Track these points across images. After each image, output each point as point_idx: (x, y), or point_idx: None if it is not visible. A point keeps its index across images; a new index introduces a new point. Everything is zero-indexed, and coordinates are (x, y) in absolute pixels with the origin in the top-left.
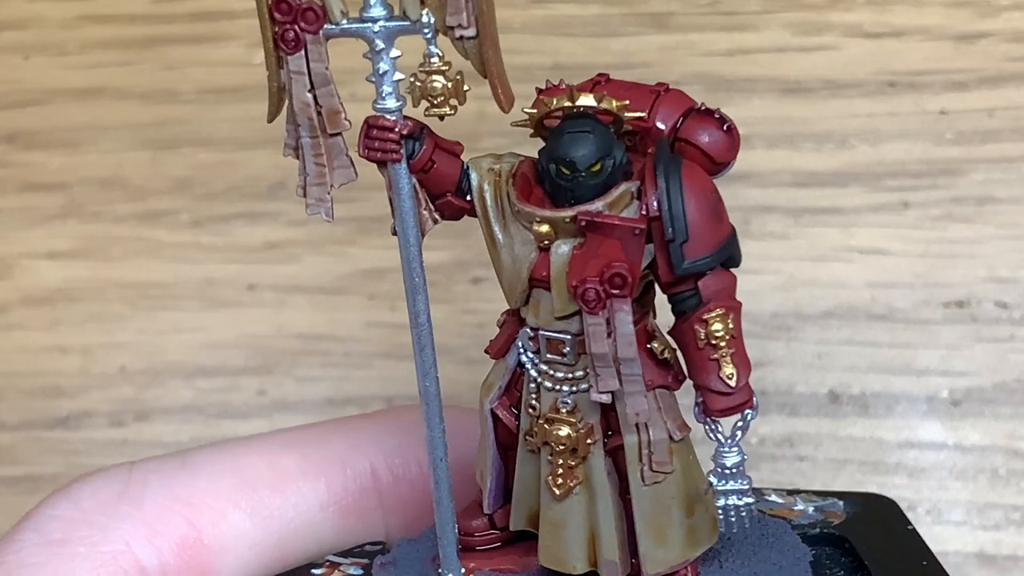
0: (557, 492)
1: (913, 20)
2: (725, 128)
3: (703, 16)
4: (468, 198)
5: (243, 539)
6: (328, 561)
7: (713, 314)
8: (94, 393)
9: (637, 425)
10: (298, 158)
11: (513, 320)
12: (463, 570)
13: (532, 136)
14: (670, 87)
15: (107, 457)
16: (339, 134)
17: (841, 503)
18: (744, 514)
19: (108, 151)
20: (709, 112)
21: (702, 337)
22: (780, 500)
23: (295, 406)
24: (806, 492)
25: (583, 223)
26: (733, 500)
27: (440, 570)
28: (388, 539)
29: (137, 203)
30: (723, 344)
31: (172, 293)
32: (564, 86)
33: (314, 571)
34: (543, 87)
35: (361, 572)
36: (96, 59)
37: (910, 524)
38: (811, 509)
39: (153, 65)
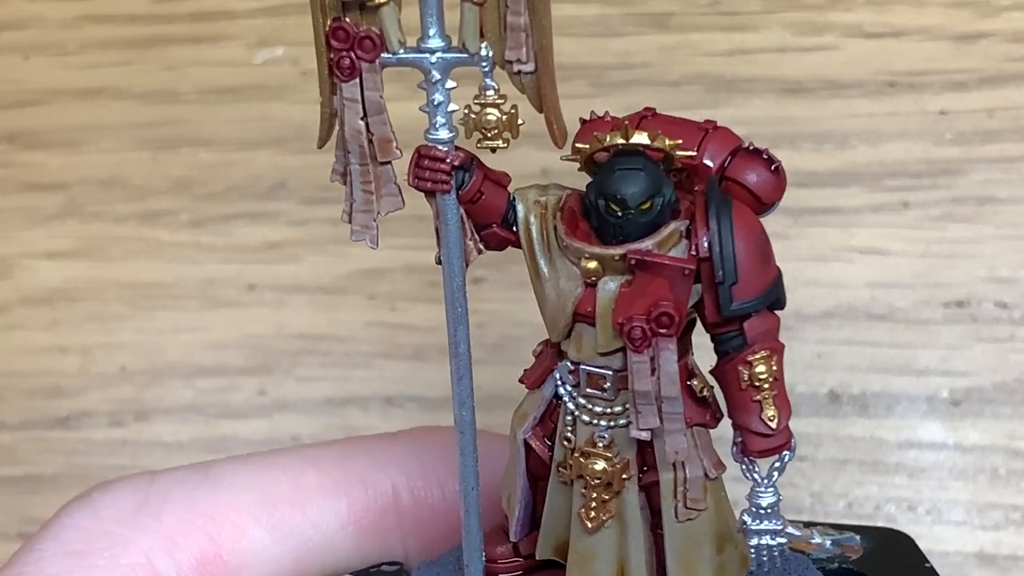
0: (589, 525)
1: (913, 20)
2: (773, 168)
3: (703, 16)
4: (514, 229)
5: (262, 556)
6: None
7: (757, 356)
8: (94, 393)
9: (674, 463)
10: (345, 184)
11: (551, 352)
12: None
13: (580, 171)
14: (718, 125)
15: (107, 457)
16: (389, 162)
17: (858, 538)
18: (776, 553)
19: (108, 151)
20: (757, 152)
21: (745, 379)
22: (798, 532)
23: (295, 406)
24: (822, 525)
25: (633, 261)
26: (767, 540)
27: None
28: (406, 560)
29: (137, 203)
30: (766, 386)
31: (172, 293)
32: (610, 118)
33: None
34: (587, 117)
35: None
36: (96, 59)
37: (928, 562)
38: (828, 543)
39: (153, 65)
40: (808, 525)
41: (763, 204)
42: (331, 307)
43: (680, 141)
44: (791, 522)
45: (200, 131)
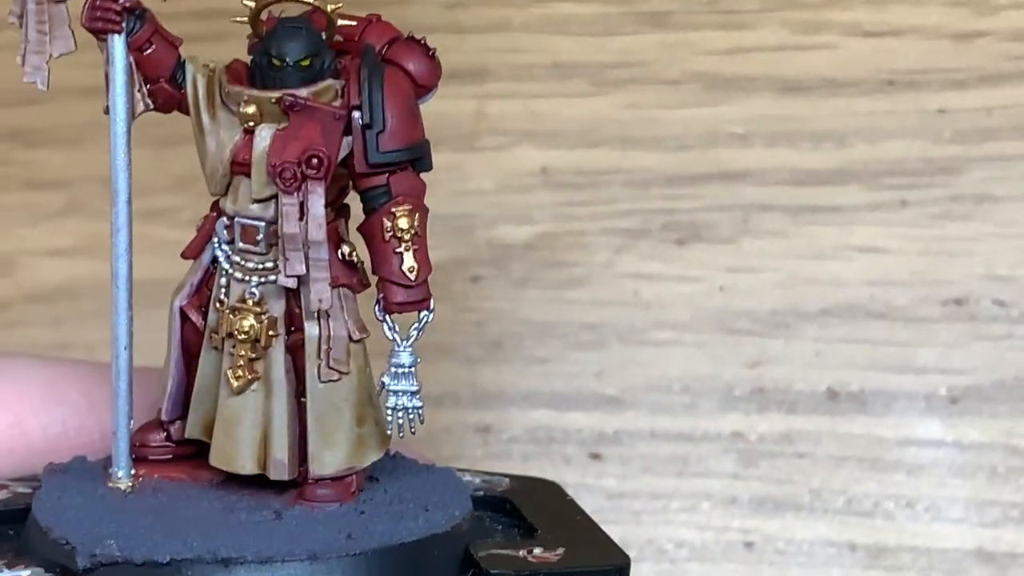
0: (235, 385)
1: (912, 19)
2: (430, 54)
3: (702, 15)
4: (182, 90)
5: (32, 448)
6: None
7: (401, 208)
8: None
9: (319, 316)
10: (21, 27)
11: (211, 219)
12: (133, 471)
13: (249, 38)
14: (381, 18)
15: None
16: (64, 2)
17: (507, 479)
18: (412, 417)
19: (110, 149)
20: (415, 40)
21: (388, 229)
22: (446, 468)
23: None
24: (474, 470)
25: (287, 104)
26: (404, 401)
27: (110, 470)
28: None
29: (139, 200)
30: (407, 238)
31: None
32: None
33: None
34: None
35: (31, 490)
36: (98, 57)
37: (570, 496)
38: (477, 480)
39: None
40: (461, 470)
41: (420, 87)
42: None
43: (340, 5)
44: (444, 468)
45: None
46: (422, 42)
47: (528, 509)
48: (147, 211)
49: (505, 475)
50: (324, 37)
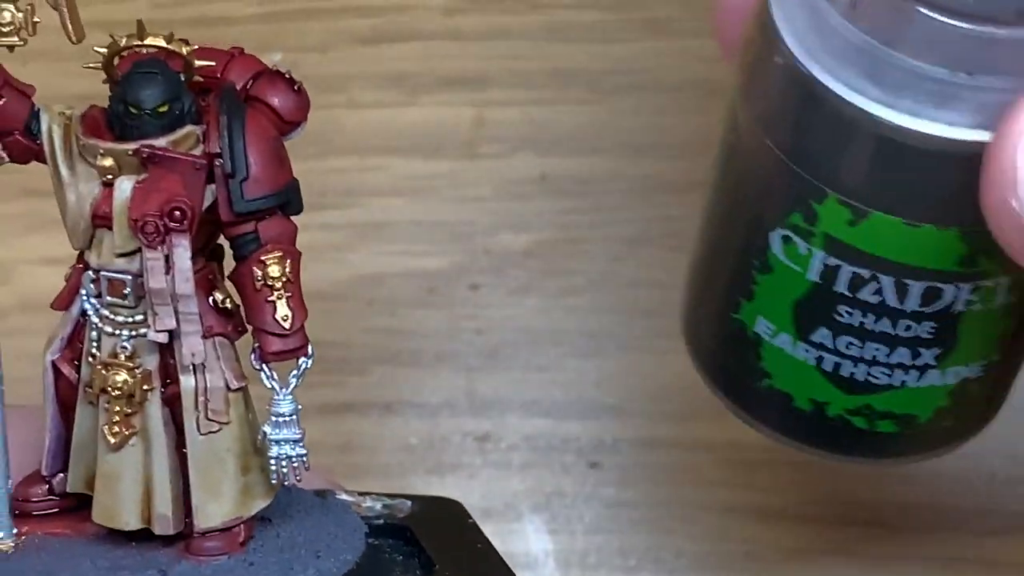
0: (112, 441)
1: None
2: (296, 89)
3: (701, 22)
4: (38, 141)
5: None
6: None
7: (271, 256)
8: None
9: (194, 369)
10: None
11: (78, 270)
12: (15, 531)
13: (104, 83)
14: (244, 51)
15: None
16: None
17: (409, 503)
18: (296, 465)
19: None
20: (280, 73)
21: (259, 278)
22: (350, 498)
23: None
24: (377, 493)
25: (145, 155)
26: (287, 450)
27: None
28: None
29: None
30: (279, 286)
31: None
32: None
33: None
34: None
35: None
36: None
37: (471, 519)
38: (379, 506)
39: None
40: (363, 494)
41: (287, 123)
42: (329, 313)
43: (196, 47)
44: (346, 491)
45: None
46: (287, 75)
47: (428, 538)
48: None
49: (409, 497)
50: (183, 79)
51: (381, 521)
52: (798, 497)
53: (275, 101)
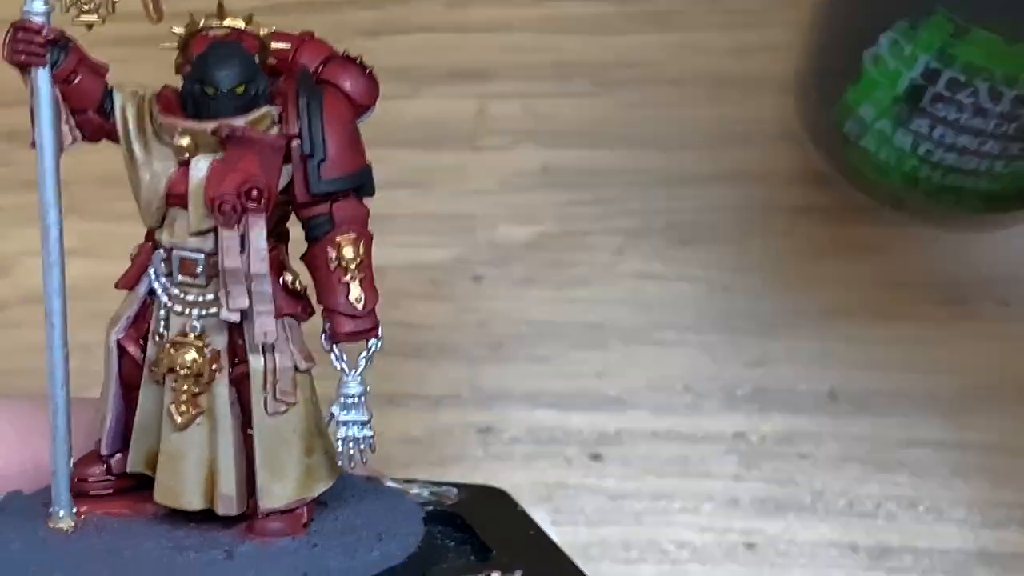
0: (179, 421)
1: None
2: (367, 73)
3: (704, 14)
4: (110, 120)
5: None
6: None
7: (345, 237)
8: (94, 392)
9: (264, 349)
10: None
11: (146, 248)
12: (74, 510)
13: (179, 62)
14: (314, 35)
15: None
16: None
17: (456, 490)
18: (363, 447)
19: (108, 149)
20: (351, 58)
21: (333, 259)
22: (396, 485)
23: None
24: (422, 481)
25: (224, 135)
26: (354, 431)
27: (51, 509)
28: None
29: (127, 202)
30: (353, 267)
31: None
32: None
33: None
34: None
35: None
36: (96, 56)
37: (519, 506)
38: (426, 493)
39: (153, 64)
40: (408, 481)
41: (357, 106)
42: None
43: (274, 29)
44: (392, 478)
45: None
46: (358, 60)
47: (479, 524)
48: (121, 213)
49: (453, 485)
50: (257, 61)
51: (430, 508)
52: (801, 489)
53: (347, 85)
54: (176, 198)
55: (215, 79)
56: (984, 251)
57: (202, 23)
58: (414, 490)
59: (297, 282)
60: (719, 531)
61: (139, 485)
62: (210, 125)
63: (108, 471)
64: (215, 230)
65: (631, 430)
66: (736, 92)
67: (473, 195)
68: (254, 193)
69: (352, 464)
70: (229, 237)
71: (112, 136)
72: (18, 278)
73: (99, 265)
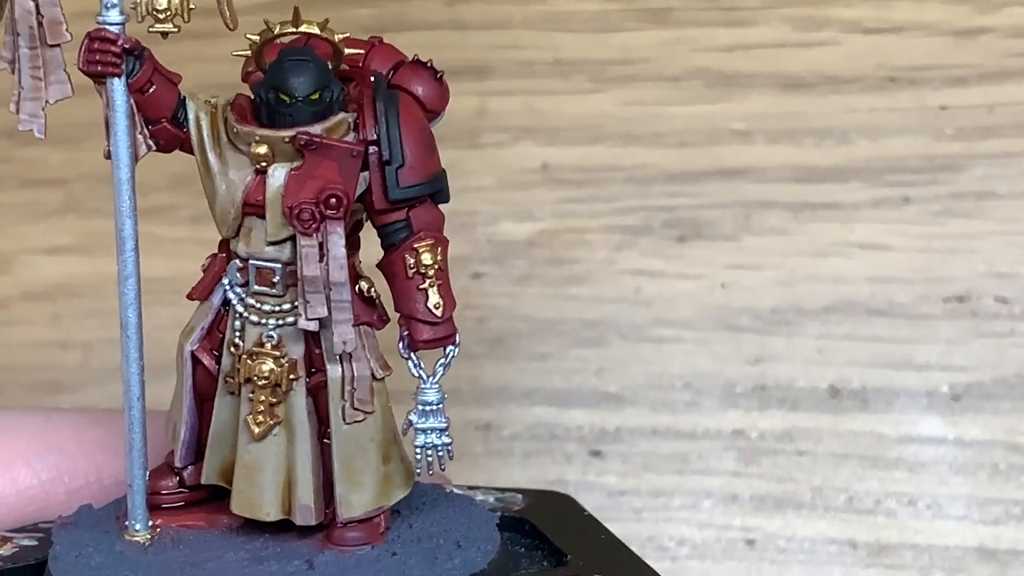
0: (256, 431)
1: (913, 15)
2: (438, 77)
3: (703, 11)
4: (184, 129)
5: (24, 495)
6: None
7: (424, 244)
8: (94, 389)
9: (341, 358)
10: (13, 72)
11: (220, 260)
12: (150, 523)
13: (250, 70)
14: (383, 40)
15: None
16: (59, 46)
17: (520, 496)
18: (442, 454)
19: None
20: (422, 63)
21: (411, 266)
22: (460, 492)
23: None
24: (486, 487)
25: (301, 143)
26: (432, 439)
27: (127, 523)
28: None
29: (137, 198)
30: (431, 274)
31: (172, 288)
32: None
33: None
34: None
35: (36, 543)
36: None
37: (587, 511)
38: (491, 499)
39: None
40: (472, 488)
41: (428, 112)
42: None
43: (348, 34)
44: (455, 485)
45: None
46: (428, 65)
47: (550, 529)
48: (144, 209)
49: (517, 491)
50: (331, 67)
51: (498, 514)
52: (800, 485)
53: (418, 90)
54: (253, 207)
55: (290, 86)
56: (984, 247)
57: (277, 30)
58: (479, 496)
59: (372, 290)
60: (718, 528)
61: (210, 496)
62: (287, 133)
63: (181, 483)
64: (292, 239)
65: (630, 427)
66: (735, 89)
67: (472, 192)
68: (333, 201)
69: (431, 472)
70: (308, 245)
71: (185, 146)
72: (18, 275)
73: (99, 262)
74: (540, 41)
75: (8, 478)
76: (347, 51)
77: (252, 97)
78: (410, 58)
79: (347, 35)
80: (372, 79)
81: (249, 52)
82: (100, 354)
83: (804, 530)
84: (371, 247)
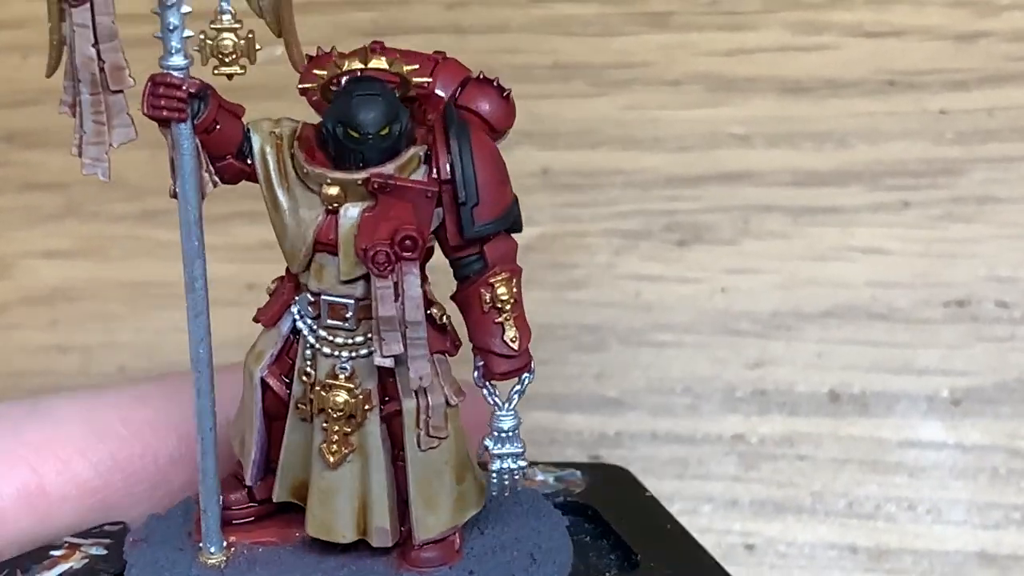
0: (332, 460)
1: (913, 19)
2: (504, 96)
3: (703, 16)
4: (249, 161)
5: (85, 488)
6: (67, 543)
7: (499, 278)
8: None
9: (417, 390)
10: (74, 116)
11: (288, 287)
12: (224, 543)
13: (317, 100)
14: (447, 56)
15: None
16: (121, 91)
17: (579, 473)
18: (517, 477)
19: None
20: (488, 81)
21: (487, 300)
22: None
23: None
24: (544, 464)
25: (376, 185)
26: (508, 463)
27: (201, 544)
28: (129, 519)
29: (135, 202)
30: (508, 308)
31: (171, 292)
32: (336, 54)
33: (52, 552)
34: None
35: (106, 552)
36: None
37: (648, 491)
38: (552, 479)
39: (151, 64)
40: (531, 464)
41: (495, 131)
42: None
43: (416, 66)
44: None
45: None
46: (495, 83)
47: (614, 518)
48: (143, 213)
49: (576, 465)
50: (398, 95)
51: (561, 499)
52: (800, 490)
53: (485, 109)
54: (325, 245)
55: (360, 123)
56: (984, 251)
57: (346, 65)
58: (539, 476)
59: (444, 317)
60: (719, 532)
61: (279, 510)
62: (360, 176)
63: (250, 496)
64: (366, 276)
65: (630, 431)
66: (735, 93)
67: None
68: (408, 242)
69: (506, 493)
70: (383, 286)
71: (251, 177)
72: (18, 279)
73: (98, 266)
74: (539, 45)
75: (69, 475)
76: (417, 80)
77: (317, 127)
78: (475, 74)
79: (416, 66)
80: (444, 109)
81: (315, 86)
82: (99, 358)
83: (804, 535)
84: (439, 259)
